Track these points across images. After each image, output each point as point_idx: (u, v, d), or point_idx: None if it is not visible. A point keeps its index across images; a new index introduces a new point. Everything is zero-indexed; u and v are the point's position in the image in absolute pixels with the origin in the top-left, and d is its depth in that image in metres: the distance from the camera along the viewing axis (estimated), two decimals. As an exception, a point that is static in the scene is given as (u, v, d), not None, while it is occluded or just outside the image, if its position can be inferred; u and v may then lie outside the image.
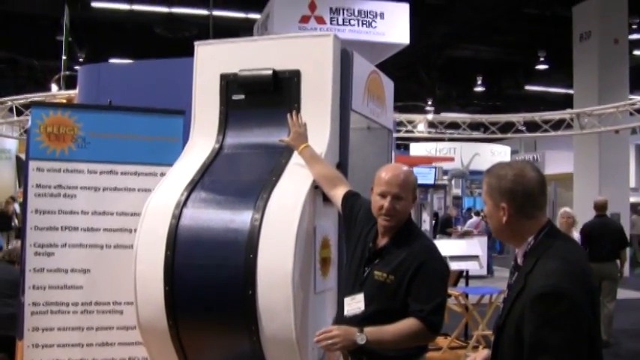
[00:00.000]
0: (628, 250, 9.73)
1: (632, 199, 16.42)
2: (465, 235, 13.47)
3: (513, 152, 23.48)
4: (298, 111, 3.32)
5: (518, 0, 14.36)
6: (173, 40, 15.41)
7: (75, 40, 16.15)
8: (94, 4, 14.33)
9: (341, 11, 9.59)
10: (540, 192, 2.01)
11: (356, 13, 9.63)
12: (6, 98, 15.04)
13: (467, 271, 8.24)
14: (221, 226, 3.04)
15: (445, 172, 18.35)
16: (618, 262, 7.71)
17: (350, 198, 3.00)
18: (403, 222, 2.72)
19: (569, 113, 14.82)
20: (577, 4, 14.85)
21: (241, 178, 3.30)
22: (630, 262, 14.02)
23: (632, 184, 18.86)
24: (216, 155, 3.41)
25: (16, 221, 14.94)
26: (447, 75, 20.31)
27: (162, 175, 3.55)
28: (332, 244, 3.31)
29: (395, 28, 9.80)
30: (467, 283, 8.26)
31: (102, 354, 3.77)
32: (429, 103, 21.34)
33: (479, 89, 20.86)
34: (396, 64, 13.53)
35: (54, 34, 15.20)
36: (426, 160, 17.08)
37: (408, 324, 2.52)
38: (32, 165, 3.80)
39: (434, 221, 15.61)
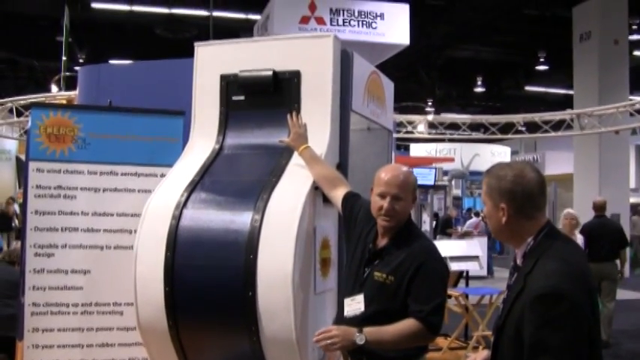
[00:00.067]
0: (628, 251, 9.74)
1: (632, 200, 16.42)
2: (465, 235, 13.48)
3: (513, 153, 23.47)
4: (298, 112, 3.32)
5: (518, 0, 14.36)
6: (173, 41, 15.41)
7: (75, 41, 16.15)
8: (94, 5, 14.33)
9: (341, 12, 9.60)
10: (540, 193, 2.01)
11: (356, 14, 9.64)
12: (6, 99, 15.04)
13: (467, 272, 8.24)
14: (221, 226, 3.04)
15: (445, 173, 18.35)
16: (617, 262, 7.72)
17: (350, 199, 3.00)
18: (403, 222, 2.72)
19: (569, 114, 14.81)
20: (577, 4, 14.85)
21: (241, 178, 3.30)
22: (630, 262, 14.03)
23: (632, 184, 18.85)
24: (216, 156, 3.41)
25: (17, 222, 14.93)
26: (447, 75, 20.31)
27: (163, 175, 3.55)
28: (332, 245, 3.31)
29: (395, 29, 9.81)
30: (467, 284, 8.26)
31: (102, 355, 3.76)
32: (429, 103, 21.34)
33: (479, 90, 20.86)
34: (396, 64, 13.53)
35: (54, 35, 15.20)
36: (426, 161, 17.08)
37: (407, 324, 2.52)
38: (32, 166, 3.80)
39: (434, 222, 15.62)
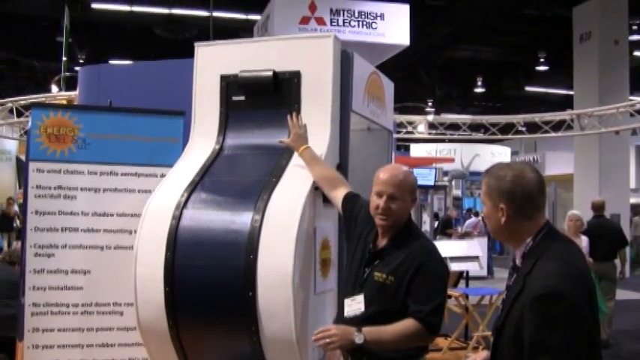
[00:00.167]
0: (629, 251, 9.74)
1: (633, 200, 16.42)
2: (465, 236, 13.48)
3: (513, 153, 23.47)
4: (298, 112, 3.32)
5: (518, 0, 14.35)
6: (173, 41, 15.40)
7: (75, 41, 16.15)
8: (94, 5, 14.33)
9: (341, 12, 9.60)
10: (539, 193, 2.01)
11: (356, 14, 9.64)
12: (6, 99, 15.04)
13: (467, 272, 8.25)
14: (221, 227, 3.04)
15: (445, 173, 18.35)
16: (616, 262, 7.73)
17: (350, 199, 3.00)
18: (403, 223, 2.72)
19: (569, 114, 14.80)
20: (577, 4, 14.85)
21: (241, 179, 3.30)
22: (631, 263, 14.03)
23: (633, 185, 18.85)
24: (216, 156, 3.41)
25: (18, 222, 14.94)
26: (447, 76, 20.31)
27: (163, 176, 3.55)
28: (332, 245, 3.31)
29: (395, 29, 9.80)
30: (467, 284, 8.26)
31: (102, 355, 3.76)
32: (429, 104, 21.33)
33: (479, 90, 20.85)
34: (396, 65, 13.53)
35: (54, 35, 15.20)
36: (427, 161, 17.08)
37: (406, 324, 2.52)
38: (32, 166, 3.80)
39: (436, 222, 15.61)
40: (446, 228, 14.67)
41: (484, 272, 11.31)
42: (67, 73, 13.76)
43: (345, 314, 2.71)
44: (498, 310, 2.10)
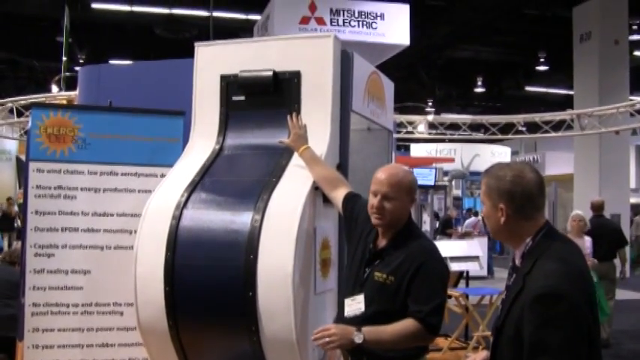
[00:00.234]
0: (629, 251, 9.74)
1: (633, 200, 16.41)
2: (465, 235, 13.48)
3: (514, 153, 23.48)
4: (298, 112, 3.32)
5: (519, 0, 14.35)
6: (173, 41, 15.39)
7: (75, 41, 16.14)
8: (94, 5, 14.33)
9: (341, 12, 9.60)
10: (539, 193, 2.01)
11: (356, 14, 9.64)
12: (6, 99, 15.04)
13: (467, 272, 8.25)
14: (221, 227, 3.04)
15: (445, 173, 18.36)
16: (616, 261, 7.72)
17: (351, 199, 3.00)
18: (402, 223, 2.71)
19: (569, 114, 14.79)
20: (577, 4, 14.84)
21: (241, 179, 3.30)
22: (631, 263, 14.02)
23: (633, 185, 18.85)
24: (216, 156, 3.41)
25: (19, 222, 14.95)
26: (447, 76, 20.31)
27: (163, 176, 3.55)
28: (332, 245, 3.31)
29: (395, 29, 9.80)
30: (467, 284, 8.26)
31: (102, 355, 3.76)
32: (430, 103, 21.33)
33: (479, 90, 20.85)
34: (396, 64, 13.53)
35: (54, 35, 15.20)
36: (427, 161, 17.09)
37: (406, 324, 2.51)
38: (32, 166, 3.80)
39: (437, 222, 15.61)
40: (446, 228, 14.68)
41: (484, 272, 11.31)
42: (67, 73, 13.75)
43: (346, 314, 2.71)
44: (498, 310, 2.10)
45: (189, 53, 3.67)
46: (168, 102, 3.97)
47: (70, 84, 13.13)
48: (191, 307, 3.04)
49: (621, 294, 9.29)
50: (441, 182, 16.63)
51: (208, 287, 3.00)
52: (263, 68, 3.41)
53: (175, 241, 3.06)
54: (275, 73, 3.39)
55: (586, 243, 6.79)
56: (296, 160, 3.20)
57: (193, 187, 3.22)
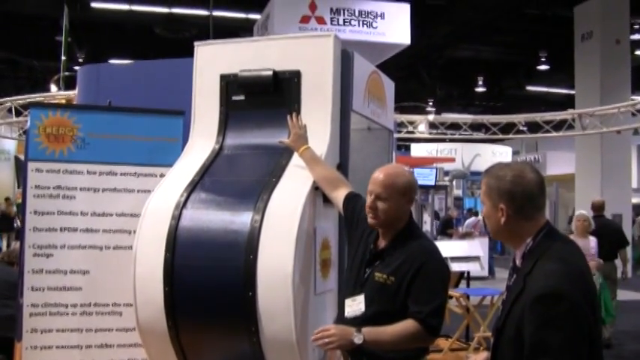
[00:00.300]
0: (631, 251, 9.72)
1: (634, 200, 16.40)
2: (466, 236, 13.47)
3: (515, 153, 23.48)
4: (298, 112, 3.31)
5: (519, 0, 14.34)
6: (173, 41, 15.39)
7: (74, 41, 16.14)
8: (94, 5, 14.33)
9: (341, 11, 9.59)
10: (539, 193, 2.00)
11: (356, 14, 9.63)
12: (5, 99, 15.03)
13: (468, 273, 8.24)
14: (221, 227, 3.03)
15: (446, 173, 18.36)
16: (617, 262, 7.71)
17: (351, 199, 2.99)
18: (403, 223, 2.70)
19: (570, 114, 14.78)
20: (578, 4, 14.84)
21: (241, 179, 3.29)
22: (633, 263, 14.01)
23: (634, 184, 18.84)
24: (216, 156, 3.40)
25: (18, 222, 14.94)
26: (448, 75, 20.30)
27: (162, 176, 3.54)
28: (332, 246, 3.30)
29: (395, 29, 9.79)
30: (468, 285, 8.25)
31: (101, 356, 3.75)
32: (430, 103, 21.33)
33: (480, 90, 20.85)
34: (396, 64, 13.53)
35: (53, 35, 15.19)
36: (427, 161, 17.10)
37: (406, 325, 2.50)
38: (31, 166, 3.79)
39: (437, 222, 15.59)
40: (446, 228, 14.67)
41: (485, 272, 11.30)
42: (67, 73, 13.74)
43: (346, 314, 2.70)
44: (499, 310, 2.08)
45: (189, 53, 3.66)
46: (167, 102, 3.96)
47: (69, 83, 13.12)
48: (190, 308, 3.03)
49: (623, 294, 9.27)
50: (442, 182, 16.63)
51: (208, 288, 2.98)
52: (263, 68, 3.40)
53: (175, 241, 3.05)
54: (275, 73, 3.37)
55: (591, 243, 6.75)
56: (296, 160, 3.19)
57: (193, 187, 3.21)
